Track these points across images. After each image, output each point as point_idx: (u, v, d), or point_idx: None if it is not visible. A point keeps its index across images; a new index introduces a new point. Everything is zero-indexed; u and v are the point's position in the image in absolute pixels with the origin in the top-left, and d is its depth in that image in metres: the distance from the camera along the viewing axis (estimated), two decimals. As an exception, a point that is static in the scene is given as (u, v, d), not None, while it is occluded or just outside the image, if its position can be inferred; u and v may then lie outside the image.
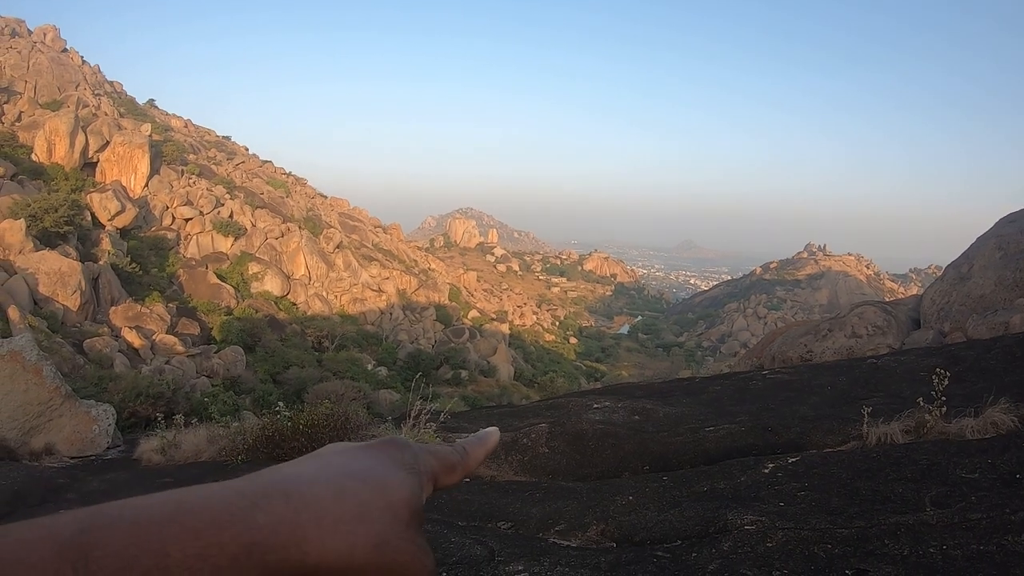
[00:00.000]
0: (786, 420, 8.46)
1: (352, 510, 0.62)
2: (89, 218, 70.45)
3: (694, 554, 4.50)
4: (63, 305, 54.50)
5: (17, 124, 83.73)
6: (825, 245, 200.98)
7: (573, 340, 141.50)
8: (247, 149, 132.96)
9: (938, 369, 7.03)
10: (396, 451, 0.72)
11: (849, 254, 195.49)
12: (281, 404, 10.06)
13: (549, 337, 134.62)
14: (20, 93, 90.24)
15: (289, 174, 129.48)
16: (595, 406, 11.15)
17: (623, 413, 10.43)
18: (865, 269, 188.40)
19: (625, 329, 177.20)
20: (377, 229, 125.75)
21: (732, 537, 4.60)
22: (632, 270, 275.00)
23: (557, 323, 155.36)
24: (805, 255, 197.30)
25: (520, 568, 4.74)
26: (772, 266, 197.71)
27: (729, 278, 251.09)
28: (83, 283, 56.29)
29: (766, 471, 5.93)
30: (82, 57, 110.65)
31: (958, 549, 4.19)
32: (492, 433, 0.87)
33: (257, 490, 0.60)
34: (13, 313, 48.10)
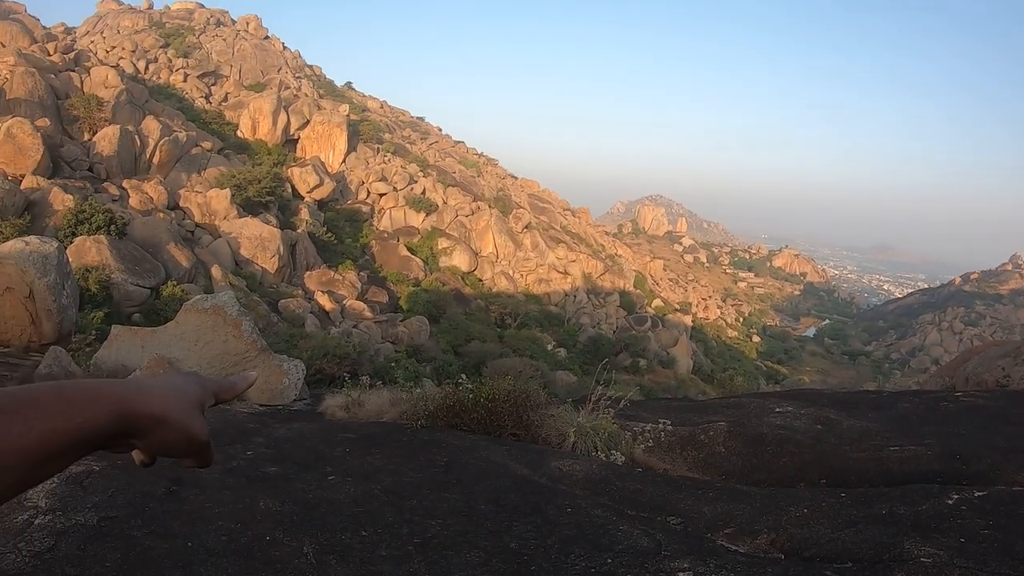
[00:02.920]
0: (976, 449, 7.98)
1: (168, 392, 1.18)
2: (289, 190, 74.51)
3: (864, 580, 4.37)
4: (262, 267, 57.65)
5: (224, 104, 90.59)
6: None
7: (756, 338, 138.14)
8: (440, 129, 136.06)
9: None
10: (194, 376, 1.29)
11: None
12: (464, 376, 10.29)
13: (732, 333, 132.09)
14: (226, 76, 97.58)
15: (480, 154, 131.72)
16: (777, 410, 10.90)
17: (805, 420, 10.15)
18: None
19: (811, 332, 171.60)
20: (566, 212, 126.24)
21: (906, 568, 4.41)
22: (823, 270, 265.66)
23: (741, 319, 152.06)
24: (1010, 267, 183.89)
25: (685, 566, 4.73)
26: (973, 277, 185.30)
27: (925, 286, 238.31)
28: (281, 248, 59.33)
29: (950, 502, 5.64)
30: (283, 43, 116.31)
31: None
32: (250, 375, 1.41)
33: (121, 382, 1.15)
34: (216, 272, 51.26)
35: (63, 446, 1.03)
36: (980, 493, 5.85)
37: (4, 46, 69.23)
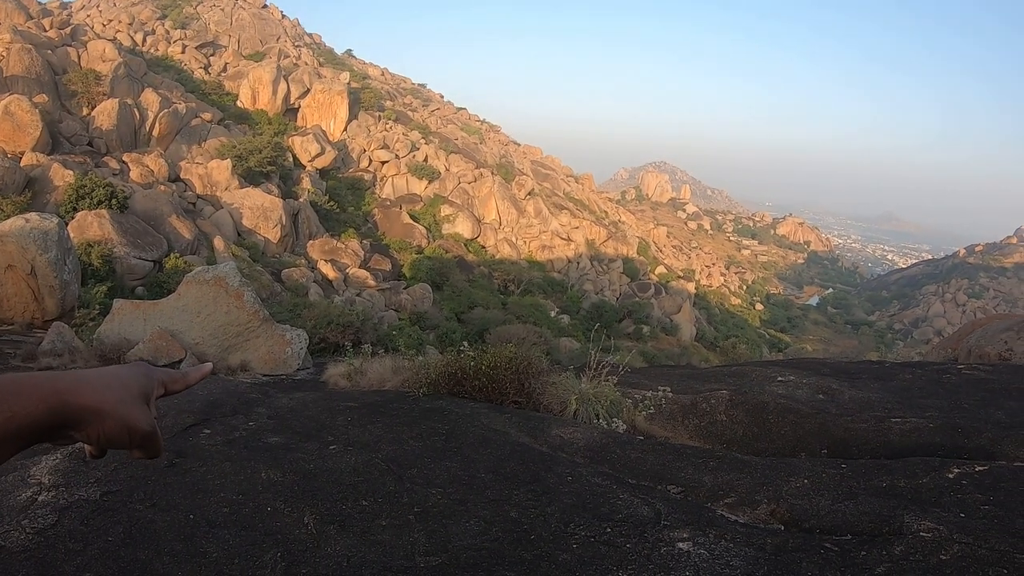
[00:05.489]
0: (978, 423, 7.92)
1: (106, 383, 1.20)
2: (291, 159, 75.01)
3: (863, 553, 4.35)
4: (264, 237, 57.84)
5: (223, 74, 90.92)
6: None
7: (759, 306, 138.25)
8: (442, 96, 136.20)
9: None
10: (140, 367, 1.32)
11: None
12: (465, 344, 10.28)
13: (735, 301, 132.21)
14: (225, 46, 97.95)
15: (483, 121, 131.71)
16: (779, 379, 10.90)
17: (807, 390, 10.14)
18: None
19: (815, 300, 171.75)
20: (569, 178, 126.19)
21: (905, 542, 4.40)
22: (827, 239, 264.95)
23: (744, 287, 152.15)
24: (1015, 240, 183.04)
25: (685, 536, 4.74)
26: (977, 249, 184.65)
27: (929, 257, 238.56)
28: (284, 218, 59.49)
29: (950, 476, 5.61)
30: (282, 12, 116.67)
31: None
32: (206, 366, 1.47)
33: (60, 374, 1.17)
34: (219, 243, 51.39)
35: None
36: (981, 468, 5.82)
37: (-1, 23, 68.93)
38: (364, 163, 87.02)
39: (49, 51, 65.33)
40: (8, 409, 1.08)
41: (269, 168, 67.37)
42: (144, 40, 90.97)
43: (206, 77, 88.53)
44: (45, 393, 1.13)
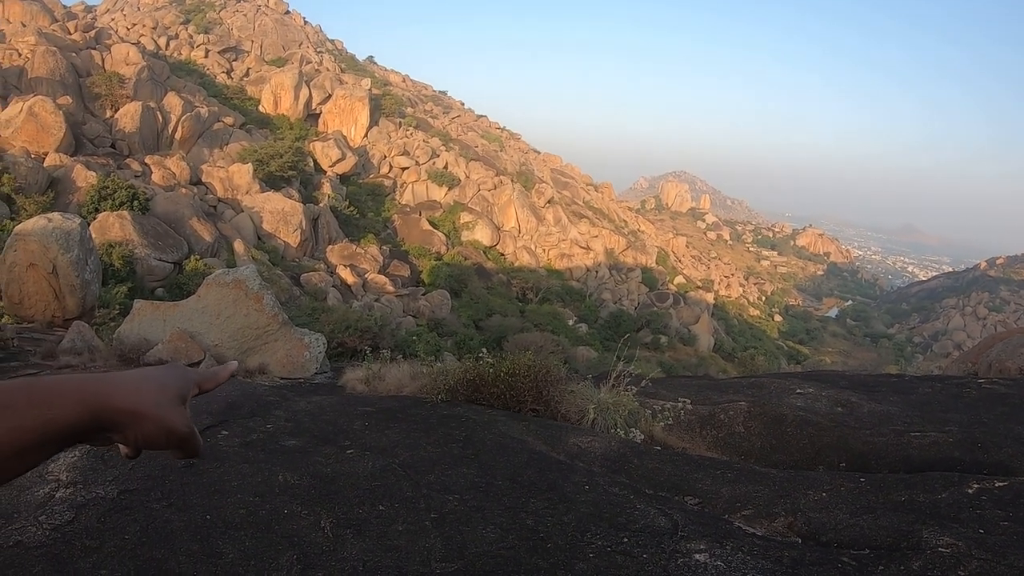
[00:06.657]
0: (998, 438, 7.82)
1: (143, 386, 1.19)
2: (311, 164, 75.33)
3: (881, 567, 4.31)
4: (284, 241, 58.04)
5: (245, 79, 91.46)
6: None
7: (778, 318, 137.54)
8: (463, 104, 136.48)
9: None
10: (176, 368, 1.30)
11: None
12: (484, 351, 10.26)
13: (753, 312, 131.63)
14: (247, 51, 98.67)
15: (503, 129, 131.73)
16: (797, 391, 10.82)
17: (826, 403, 10.07)
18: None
19: (834, 312, 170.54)
20: (588, 187, 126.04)
21: (924, 557, 4.36)
22: (847, 250, 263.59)
23: (763, 298, 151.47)
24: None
25: (702, 547, 4.71)
26: (999, 262, 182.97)
27: (950, 270, 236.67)
28: (304, 222, 59.69)
29: (970, 491, 5.55)
30: (304, 18, 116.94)
31: None
32: (232, 364, 1.45)
33: (98, 376, 1.18)
34: (239, 246, 51.61)
35: (32, 442, 1.07)
36: (1001, 483, 5.75)
37: (24, 26, 69.72)
38: (384, 169, 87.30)
39: (73, 54, 66.00)
40: (47, 412, 1.08)
41: (290, 173, 67.74)
42: (167, 44, 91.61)
43: (228, 82, 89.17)
44: (83, 396, 1.13)
